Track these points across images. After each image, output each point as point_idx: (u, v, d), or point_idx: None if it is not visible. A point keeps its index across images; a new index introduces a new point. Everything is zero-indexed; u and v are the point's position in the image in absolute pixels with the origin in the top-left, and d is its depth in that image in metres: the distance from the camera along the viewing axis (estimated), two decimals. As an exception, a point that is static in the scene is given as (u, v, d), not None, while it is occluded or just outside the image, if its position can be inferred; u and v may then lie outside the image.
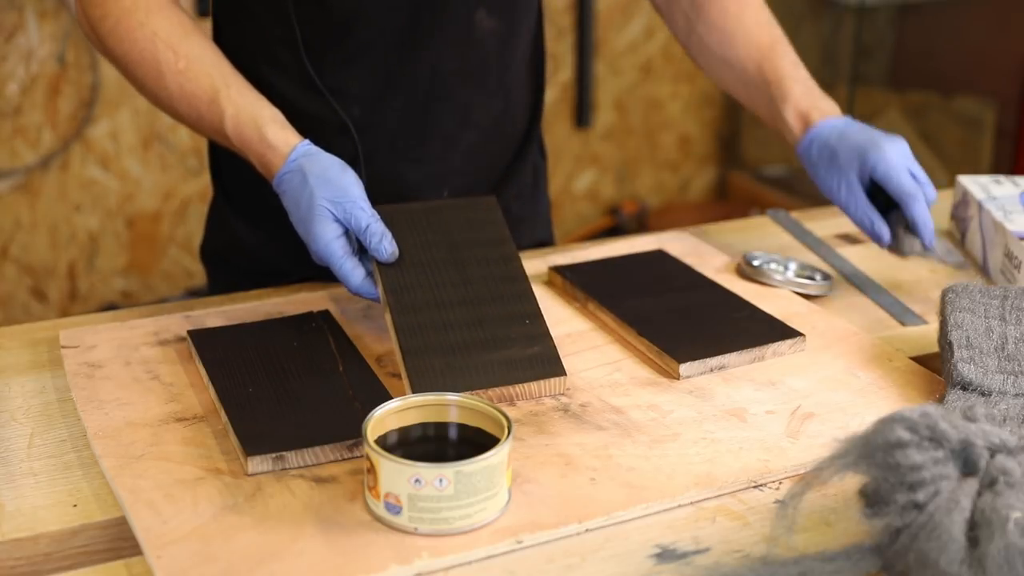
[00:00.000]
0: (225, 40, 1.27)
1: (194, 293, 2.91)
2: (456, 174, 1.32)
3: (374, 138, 1.26)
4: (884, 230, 1.20)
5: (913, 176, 1.19)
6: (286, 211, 1.11)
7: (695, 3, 1.32)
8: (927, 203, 1.20)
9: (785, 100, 1.25)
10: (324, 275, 1.27)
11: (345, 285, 1.08)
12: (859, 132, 1.21)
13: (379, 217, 1.07)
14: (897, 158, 1.19)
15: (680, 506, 0.88)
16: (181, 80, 1.14)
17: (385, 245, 1.07)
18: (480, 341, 1.03)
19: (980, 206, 1.35)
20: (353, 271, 1.07)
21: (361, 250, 1.09)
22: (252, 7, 1.25)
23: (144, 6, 1.14)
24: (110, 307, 2.86)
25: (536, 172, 1.44)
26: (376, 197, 1.11)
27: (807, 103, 1.25)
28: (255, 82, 1.17)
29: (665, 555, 0.82)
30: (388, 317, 1.05)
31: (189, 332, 1.10)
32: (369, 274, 1.08)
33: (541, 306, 1.09)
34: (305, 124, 1.16)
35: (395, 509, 0.82)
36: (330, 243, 1.06)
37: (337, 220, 1.07)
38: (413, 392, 0.98)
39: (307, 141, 1.12)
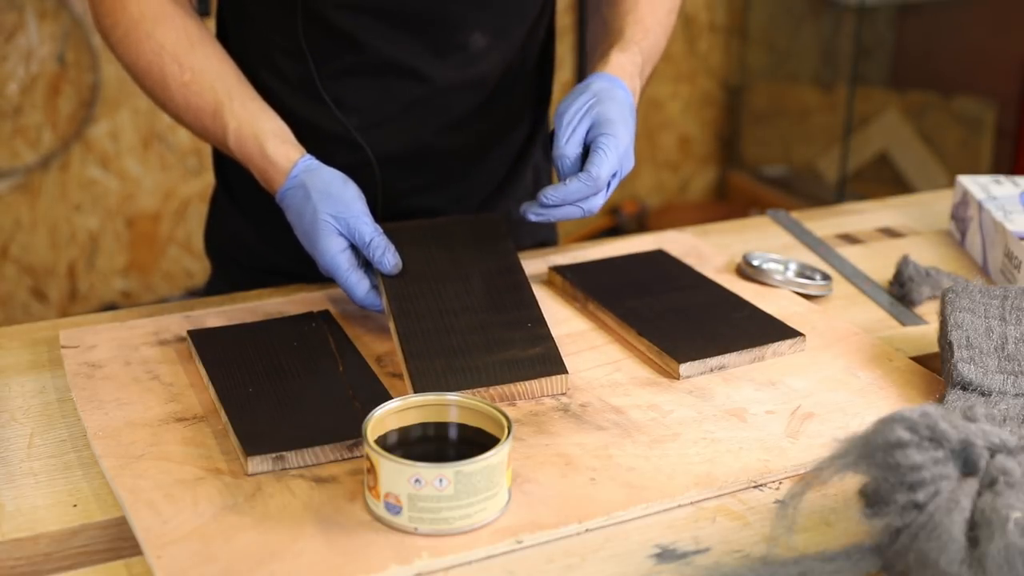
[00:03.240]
0: (228, 47, 1.27)
1: (194, 293, 2.91)
2: (455, 181, 1.32)
3: (372, 147, 1.26)
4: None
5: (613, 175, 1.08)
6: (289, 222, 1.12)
7: None
8: (586, 200, 1.07)
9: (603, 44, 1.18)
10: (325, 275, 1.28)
11: (350, 297, 1.10)
12: (608, 102, 1.09)
13: (382, 231, 1.09)
14: (618, 151, 1.07)
15: (680, 506, 0.88)
16: (186, 92, 1.14)
17: (388, 258, 1.09)
18: (482, 344, 1.04)
19: (980, 206, 1.35)
20: (358, 283, 1.09)
21: (366, 263, 1.11)
22: (257, 18, 1.25)
23: (151, 17, 1.14)
24: (110, 307, 2.86)
25: (537, 173, 1.44)
26: (374, 204, 1.11)
27: (610, 54, 1.16)
28: (257, 89, 1.18)
29: (665, 555, 0.82)
30: (392, 324, 1.06)
31: (189, 332, 1.10)
32: (374, 286, 1.10)
33: (541, 307, 1.09)
34: (304, 133, 1.17)
35: (395, 509, 0.82)
36: (335, 256, 1.08)
37: (341, 234, 1.09)
38: (415, 392, 0.98)
39: (308, 156, 1.13)
